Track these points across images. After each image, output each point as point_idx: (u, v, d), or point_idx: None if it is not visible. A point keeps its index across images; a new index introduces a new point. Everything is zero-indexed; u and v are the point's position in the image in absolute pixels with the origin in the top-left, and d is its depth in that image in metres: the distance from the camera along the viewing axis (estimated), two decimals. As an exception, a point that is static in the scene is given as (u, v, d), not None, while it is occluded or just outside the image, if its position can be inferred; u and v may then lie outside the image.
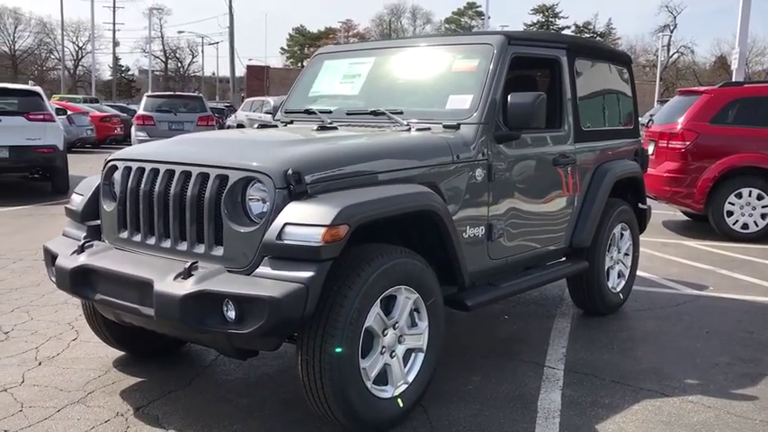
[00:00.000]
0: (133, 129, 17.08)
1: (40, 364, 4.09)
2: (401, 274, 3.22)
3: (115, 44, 67.65)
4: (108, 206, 3.68)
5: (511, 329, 4.86)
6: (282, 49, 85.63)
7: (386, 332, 3.23)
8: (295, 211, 2.97)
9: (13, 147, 10.67)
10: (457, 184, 3.77)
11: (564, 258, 4.91)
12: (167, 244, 3.34)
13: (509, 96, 3.95)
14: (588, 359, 4.29)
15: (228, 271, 3.06)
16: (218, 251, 3.15)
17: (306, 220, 2.92)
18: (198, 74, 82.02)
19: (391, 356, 3.27)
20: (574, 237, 4.77)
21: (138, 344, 4.10)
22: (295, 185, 3.02)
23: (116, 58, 70.64)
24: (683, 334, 4.86)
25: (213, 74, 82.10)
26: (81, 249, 3.49)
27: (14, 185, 12.31)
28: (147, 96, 17.66)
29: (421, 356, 3.42)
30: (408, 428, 3.31)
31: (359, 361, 3.07)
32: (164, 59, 79.32)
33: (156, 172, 3.42)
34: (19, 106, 11.12)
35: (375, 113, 4.23)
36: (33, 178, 11.82)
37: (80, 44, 74.47)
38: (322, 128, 3.95)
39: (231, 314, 2.90)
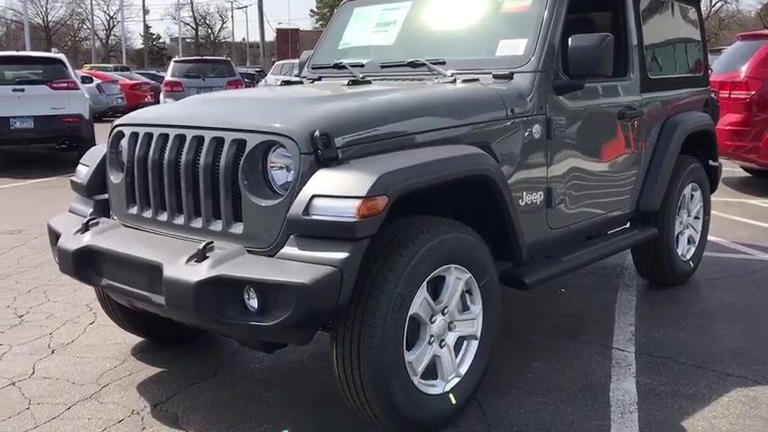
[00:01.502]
0: (161, 95, 16.73)
1: (53, 352, 3.74)
2: (450, 251, 2.73)
3: (145, 12, 67.40)
4: (115, 178, 3.25)
5: (570, 304, 4.36)
6: (312, 11, 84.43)
7: (434, 319, 2.76)
8: (324, 181, 2.50)
9: (37, 117, 10.39)
10: (511, 144, 3.25)
11: (628, 224, 4.37)
12: (180, 221, 2.91)
13: (570, 39, 3.39)
14: (661, 339, 3.78)
15: (249, 251, 2.61)
16: (238, 228, 2.70)
17: (337, 192, 2.45)
18: (228, 40, 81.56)
19: (441, 346, 2.81)
20: (641, 200, 4.22)
21: (157, 329, 3.70)
22: (323, 150, 2.54)
23: (146, 26, 70.45)
24: (766, 306, 4.31)
25: (243, 39, 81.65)
26: (85, 228, 3.07)
27: (41, 157, 12.07)
28: (175, 62, 17.25)
29: (475, 344, 2.95)
30: (462, 428, 2.87)
31: (404, 354, 2.61)
32: (194, 26, 78.93)
33: (165, 138, 2.97)
34: (42, 75, 10.81)
35: (413, 65, 3.71)
36: (60, 149, 11.55)
37: (111, 13, 74.43)
38: (353, 83, 3.45)
39: (253, 303, 2.46)
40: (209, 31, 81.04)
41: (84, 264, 2.98)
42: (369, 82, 3.49)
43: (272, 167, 2.67)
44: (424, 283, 2.66)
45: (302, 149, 2.55)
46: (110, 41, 75.06)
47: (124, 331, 3.83)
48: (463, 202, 3.11)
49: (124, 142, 3.20)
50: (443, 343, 2.81)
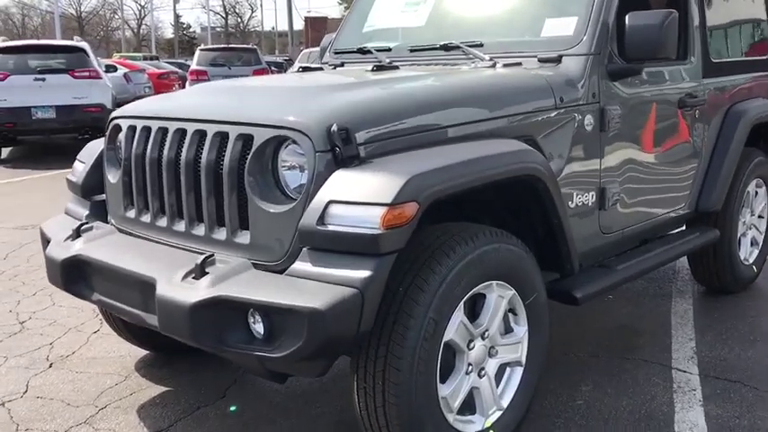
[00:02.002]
0: (187, 85, 16.48)
1: (50, 365, 3.42)
2: (492, 265, 2.33)
3: (175, 1, 67.54)
4: (112, 177, 2.90)
5: (619, 315, 3.92)
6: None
7: (472, 345, 2.36)
8: (342, 184, 2.11)
9: (59, 106, 10.16)
10: (560, 137, 2.83)
11: (684, 227, 3.91)
12: (181, 227, 2.54)
13: (627, 17, 2.94)
14: (728, 358, 3.33)
15: (256, 265, 2.24)
16: (244, 238, 2.33)
17: (357, 197, 2.06)
18: (257, 29, 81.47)
19: (480, 376, 2.41)
20: (701, 199, 3.75)
21: (162, 343, 3.34)
22: (342, 147, 2.15)
23: (177, 16, 70.60)
24: (844, 319, 3.83)
25: (273, 28, 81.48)
26: (77, 234, 2.73)
27: (63, 147, 11.86)
28: (200, 50, 16.99)
29: (519, 372, 2.55)
30: (504, 469, 2.47)
31: (437, 388, 2.22)
32: (224, 15, 78.96)
33: (164, 132, 2.60)
34: (64, 64, 10.57)
35: (446, 48, 3.29)
36: (83, 139, 11.31)
37: (142, 3, 74.76)
38: (378, 68, 3.04)
39: (259, 328, 2.09)
40: (239, 20, 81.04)
41: (73, 275, 2.64)
42: (396, 67, 3.08)
43: (282, 167, 2.29)
44: (461, 304, 2.26)
45: (317, 146, 2.16)
46: (141, 31, 75.46)
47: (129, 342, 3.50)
48: (504, 205, 2.70)
49: (122, 137, 2.85)
50: (483, 372, 2.42)
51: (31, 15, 68.54)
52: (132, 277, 2.37)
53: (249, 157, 2.29)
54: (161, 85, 22.57)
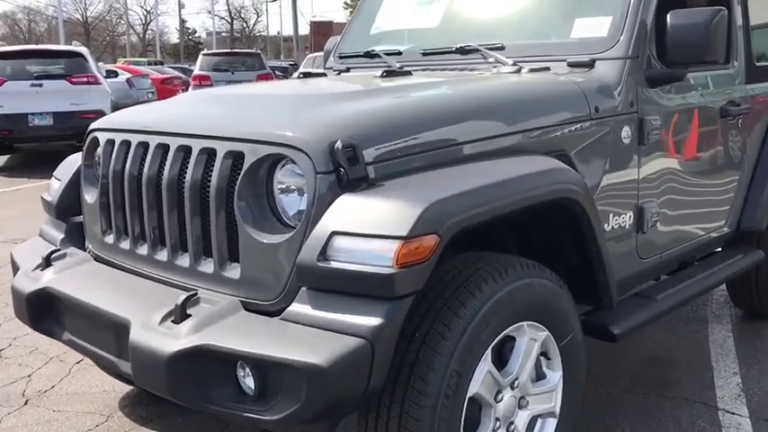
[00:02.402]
0: (191, 90, 16.21)
1: (26, 402, 3.09)
2: (524, 303, 1.99)
3: (181, 6, 67.56)
4: (90, 196, 2.58)
5: (651, 344, 3.57)
6: (346, 3, 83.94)
7: (500, 396, 2.02)
8: (348, 212, 1.78)
9: (57, 113, 9.86)
10: (594, 152, 2.49)
11: (721, 248, 3.56)
12: (163, 256, 2.22)
13: (669, 16, 2.61)
14: (780, 396, 2.99)
15: (248, 306, 1.91)
16: (233, 272, 2.00)
17: (366, 228, 1.73)
18: (263, 34, 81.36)
19: (509, 431, 2.07)
20: (743, 217, 3.40)
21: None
22: (347, 167, 1.82)
23: (182, 21, 70.56)
24: None
25: (278, 33, 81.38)
26: (47, 263, 2.40)
27: (61, 155, 11.55)
28: (204, 55, 16.72)
29: (552, 424, 2.21)
30: None
31: (460, 451, 1.89)
32: (229, 20, 78.90)
33: (144, 147, 2.28)
34: (61, 69, 10.29)
35: (463, 51, 2.96)
36: (81, 147, 11.03)
37: (148, 8, 74.73)
38: (389, 74, 2.71)
39: (250, 383, 1.76)
40: (245, 24, 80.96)
41: (41, 311, 2.32)
42: (408, 73, 2.75)
43: (278, 191, 1.96)
44: (489, 351, 1.93)
45: (318, 166, 1.83)
46: (146, 36, 75.44)
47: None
48: (530, 229, 2.36)
49: (100, 151, 2.53)
50: (512, 427, 2.08)
51: (37, 21, 68.56)
52: (104, 317, 2.04)
53: (239, 177, 1.96)
54: (164, 90, 22.29)
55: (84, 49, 10.94)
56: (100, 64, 16.83)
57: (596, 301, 2.44)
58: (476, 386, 1.90)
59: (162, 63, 35.01)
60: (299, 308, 1.79)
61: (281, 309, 1.86)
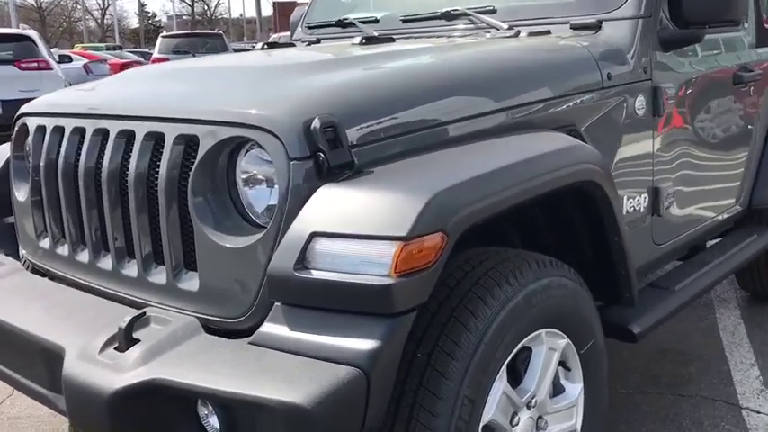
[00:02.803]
0: (149, 74, 15.59)
1: (-39, 431, 2.71)
2: (542, 309, 1.67)
3: (139, -11, 65.83)
4: (21, 194, 2.19)
5: (660, 335, 3.26)
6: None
7: (516, 419, 1.70)
8: (331, 207, 1.43)
9: (5, 101, 9.27)
10: (607, 126, 2.18)
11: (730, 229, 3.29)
12: (107, 264, 1.85)
13: (684, -30, 2.29)
14: (804, 389, 2.72)
15: (209, 324, 1.56)
16: (191, 283, 1.64)
17: (355, 227, 1.38)
18: (225, 16, 79.80)
19: (526, 458, 1.75)
20: (755, 193, 3.12)
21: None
22: (328, 151, 1.46)
23: (141, 4, 68.94)
24: None
25: (240, 15, 79.98)
26: (-34, 275, 2.01)
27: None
28: (163, 37, 16.05)
29: (573, 443, 1.90)
30: None
31: (473, 490, 1.56)
32: (190, 3, 77.18)
33: (81, 134, 1.90)
34: (9, 54, 9.69)
35: (449, 16, 2.61)
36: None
37: (105, -9, 72.67)
38: (368, 41, 2.34)
39: (214, 422, 1.41)
40: (206, 7, 79.28)
41: (-40, 334, 1.92)
42: (391, 39, 2.39)
43: (243, 182, 1.60)
44: (504, 368, 1.60)
45: (291, 151, 1.48)
46: (105, 21, 73.46)
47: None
48: (539, 219, 2.04)
49: (30, 140, 2.14)
50: (530, 453, 1.76)
51: (-12, 7, 66.35)
52: (34, 343, 1.66)
53: (193, 167, 1.60)
54: (124, 75, 21.59)
55: (33, 33, 10.34)
56: (54, 50, 16.12)
57: (614, 297, 2.12)
58: (490, 412, 1.58)
59: (121, 48, 34.00)
60: (272, 328, 1.44)
61: (250, 328, 1.51)
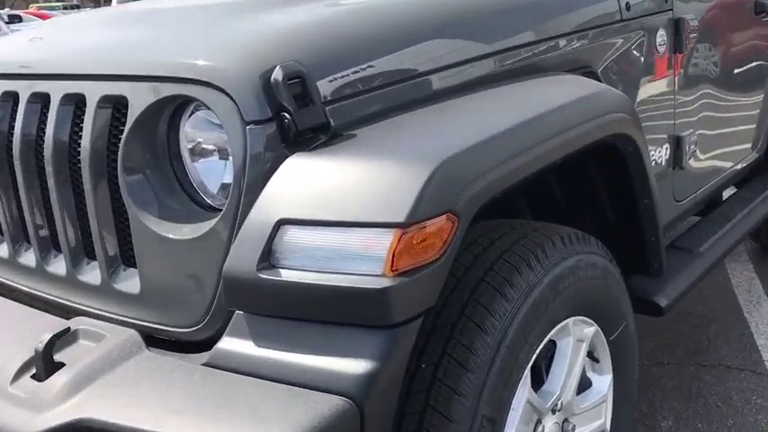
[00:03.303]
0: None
1: None
2: (570, 295, 1.35)
3: (94, -56, 63.21)
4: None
5: (670, 295, 3.01)
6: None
7: (540, 428, 1.40)
8: (302, 184, 1.09)
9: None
10: (627, 66, 1.85)
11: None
12: (29, 260, 1.50)
13: None
14: (835, 352, 2.47)
15: (156, 336, 1.23)
16: (131, 283, 1.31)
17: (335, 212, 1.04)
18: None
19: (551, 470, 1.46)
20: (775, 138, 2.83)
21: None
22: (295, 110, 1.12)
23: (98, -39, 66.33)
24: None
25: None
26: None
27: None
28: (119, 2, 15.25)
29: (602, 445, 1.61)
30: None
31: None
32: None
33: (-12, 99, 1.52)
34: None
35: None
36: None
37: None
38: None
39: (165, 467, 1.09)
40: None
41: None
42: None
43: (190, 154, 1.25)
44: (527, 372, 1.29)
45: (247, 112, 1.13)
46: (61, -21, 70.76)
47: None
48: (552, 181, 1.71)
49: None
50: (556, 463, 1.47)
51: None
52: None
53: (123, 137, 1.24)
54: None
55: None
56: (5, 10, 15.28)
57: (638, 267, 1.82)
58: (512, 428, 1.27)
59: (78, 7, 32.65)
60: (233, 344, 1.11)
61: (208, 339, 1.18)
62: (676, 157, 2.08)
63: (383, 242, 0.99)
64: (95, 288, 1.36)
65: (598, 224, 1.74)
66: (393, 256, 0.99)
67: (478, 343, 1.16)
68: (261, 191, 1.10)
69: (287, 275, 1.04)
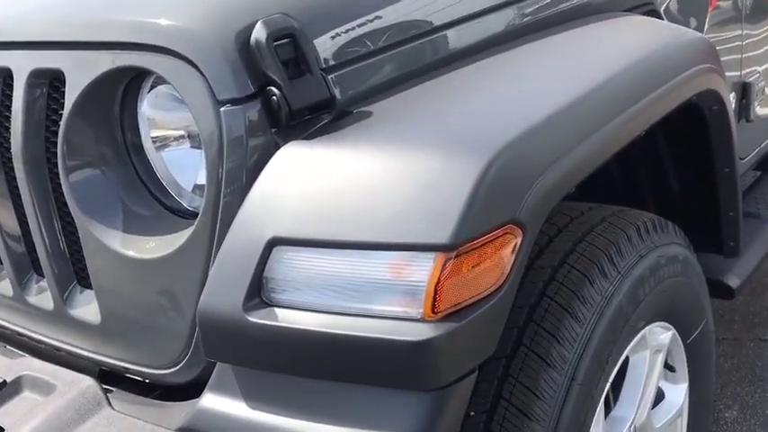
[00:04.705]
0: None
1: None
2: (650, 302, 1.06)
3: None
4: None
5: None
6: None
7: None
8: (302, 187, 0.78)
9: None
10: (691, 5, 1.52)
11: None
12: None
13: None
14: None
15: (127, 376, 0.95)
16: (88, 309, 1.02)
17: (351, 228, 0.73)
18: None
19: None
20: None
21: None
22: (287, 81, 0.80)
23: None
24: None
25: None
26: None
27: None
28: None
29: (679, 468, 1.34)
30: None
31: None
32: None
33: None
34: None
35: None
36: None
37: None
38: None
39: None
40: None
41: None
42: None
43: (154, 141, 0.95)
44: (601, 404, 1.01)
45: (220, 89, 0.83)
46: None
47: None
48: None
49: None
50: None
51: None
52: None
53: (62, 123, 0.94)
54: None
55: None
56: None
57: (710, 246, 1.52)
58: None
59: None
60: (220, 403, 0.82)
61: (191, 383, 0.90)
62: (743, 108, 1.77)
63: (421, 273, 0.69)
64: (49, 314, 1.08)
65: (657, 195, 1.44)
66: (436, 291, 0.69)
67: (544, 382, 0.88)
68: (245, 197, 0.80)
69: (285, 318, 0.74)
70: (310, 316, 0.74)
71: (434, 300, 0.69)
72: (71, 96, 0.93)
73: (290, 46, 0.83)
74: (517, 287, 0.76)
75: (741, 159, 1.85)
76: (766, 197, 1.96)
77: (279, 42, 0.82)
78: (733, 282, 1.58)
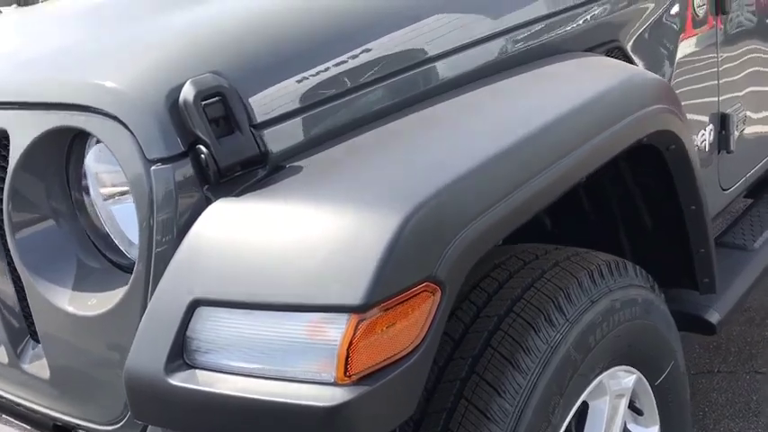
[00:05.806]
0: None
1: None
2: (604, 348, 1.05)
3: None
4: None
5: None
6: None
7: None
8: (227, 246, 0.78)
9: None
10: (661, 37, 1.52)
11: None
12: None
13: None
14: None
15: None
16: (40, 365, 1.03)
17: (266, 290, 0.73)
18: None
19: None
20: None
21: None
22: (216, 140, 0.81)
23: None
24: None
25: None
26: None
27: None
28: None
29: None
30: None
31: None
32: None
33: None
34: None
35: None
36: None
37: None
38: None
39: None
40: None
41: None
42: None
43: (102, 197, 0.95)
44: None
45: (149, 148, 0.83)
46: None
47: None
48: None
49: None
50: None
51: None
52: None
53: (7, 181, 0.95)
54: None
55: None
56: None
57: (682, 282, 1.50)
58: None
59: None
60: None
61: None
62: (722, 139, 1.75)
63: (334, 334, 0.69)
64: (5, 368, 1.08)
65: (630, 230, 1.43)
66: (348, 354, 0.68)
67: (485, 436, 0.86)
68: (171, 254, 0.81)
69: (204, 381, 0.74)
70: (229, 379, 0.73)
71: (347, 362, 0.68)
72: (15, 155, 0.95)
73: (220, 104, 0.83)
74: (436, 346, 0.75)
75: (725, 190, 1.84)
76: (753, 228, 1.93)
77: (208, 101, 0.82)
78: (713, 317, 1.55)
